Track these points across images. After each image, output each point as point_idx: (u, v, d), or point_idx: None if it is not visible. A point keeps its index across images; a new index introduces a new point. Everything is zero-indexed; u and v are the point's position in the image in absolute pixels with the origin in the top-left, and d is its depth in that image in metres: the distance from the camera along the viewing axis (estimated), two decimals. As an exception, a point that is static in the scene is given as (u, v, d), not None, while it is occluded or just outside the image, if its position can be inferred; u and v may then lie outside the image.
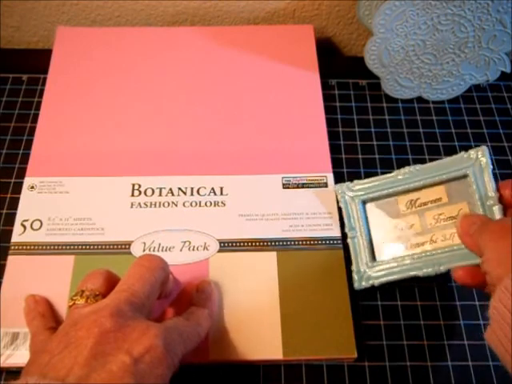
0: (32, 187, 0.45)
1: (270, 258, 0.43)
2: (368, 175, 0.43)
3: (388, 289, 0.43)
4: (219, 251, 0.43)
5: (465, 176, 0.38)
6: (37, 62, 0.54)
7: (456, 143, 0.52)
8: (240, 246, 0.43)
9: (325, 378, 0.39)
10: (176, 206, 0.45)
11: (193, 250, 0.43)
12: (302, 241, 0.43)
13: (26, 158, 0.47)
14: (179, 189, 0.46)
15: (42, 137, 0.48)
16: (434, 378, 0.40)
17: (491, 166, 0.37)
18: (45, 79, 0.52)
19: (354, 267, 0.40)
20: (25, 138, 0.50)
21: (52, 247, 0.42)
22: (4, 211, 0.46)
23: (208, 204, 0.45)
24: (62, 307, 0.39)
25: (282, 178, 0.46)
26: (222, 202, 0.45)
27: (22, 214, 0.44)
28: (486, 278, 0.32)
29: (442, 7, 0.47)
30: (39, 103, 0.51)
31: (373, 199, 0.41)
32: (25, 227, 0.43)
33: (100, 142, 0.48)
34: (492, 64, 0.52)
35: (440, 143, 0.51)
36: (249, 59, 0.54)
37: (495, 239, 0.31)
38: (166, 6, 0.58)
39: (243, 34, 0.56)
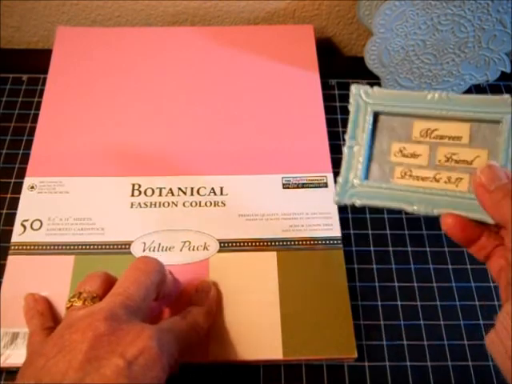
0: (32, 187, 0.45)
1: (270, 258, 0.43)
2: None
3: (388, 289, 0.43)
4: (219, 251, 0.43)
5: (498, 122, 0.33)
6: (37, 61, 0.54)
7: (456, 143, 0.52)
8: (240, 245, 0.43)
9: (325, 378, 0.39)
10: (176, 206, 0.45)
11: (193, 249, 0.43)
12: (302, 241, 0.43)
13: (26, 158, 0.47)
14: (179, 189, 0.46)
15: (41, 137, 0.48)
16: (433, 378, 0.40)
17: None
18: (45, 79, 0.52)
19: (340, 179, 0.35)
20: (25, 138, 0.50)
21: (52, 247, 0.42)
22: (4, 211, 0.46)
23: (208, 204, 0.45)
24: (61, 306, 0.39)
25: (282, 178, 0.46)
26: (221, 202, 0.45)
27: (21, 213, 0.44)
28: (503, 252, 0.30)
29: (441, 7, 0.47)
30: (39, 103, 0.51)
31: (387, 113, 0.35)
32: (25, 227, 0.43)
33: (100, 142, 0.48)
34: (492, 64, 0.52)
35: (440, 143, 0.51)
36: (249, 59, 0.54)
37: None
38: (166, 5, 0.58)
39: (243, 34, 0.56)
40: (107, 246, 0.43)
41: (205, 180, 0.46)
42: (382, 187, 0.34)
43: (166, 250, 0.43)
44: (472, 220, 0.32)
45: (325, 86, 0.54)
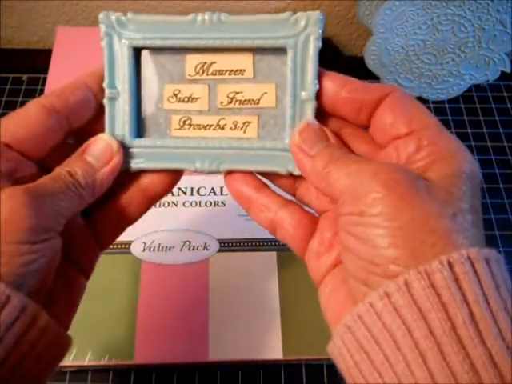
0: (32, 187, 0.45)
1: (270, 258, 0.43)
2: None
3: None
4: (219, 251, 0.43)
5: (282, 49, 0.26)
6: (37, 61, 0.54)
7: (456, 143, 0.52)
8: (240, 245, 0.43)
9: (325, 378, 0.39)
10: (176, 205, 0.45)
11: (193, 249, 0.43)
12: (302, 241, 0.43)
13: (26, 158, 0.47)
14: (179, 189, 0.46)
15: (41, 137, 0.48)
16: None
17: (320, 44, 0.26)
18: (45, 79, 0.52)
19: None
20: (25, 138, 0.50)
21: (52, 247, 0.42)
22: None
23: (208, 204, 0.45)
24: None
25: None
26: (221, 202, 0.45)
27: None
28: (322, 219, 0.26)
29: (441, 7, 0.47)
30: (39, 103, 0.51)
31: (151, 48, 0.27)
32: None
33: (100, 142, 0.48)
34: (492, 64, 0.52)
35: (440, 143, 0.51)
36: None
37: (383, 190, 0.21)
38: (166, 6, 0.58)
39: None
40: (107, 246, 0.43)
41: (205, 180, 0.46)
42: (157, 145, 0.28)
43: (166, 249, 0.43)
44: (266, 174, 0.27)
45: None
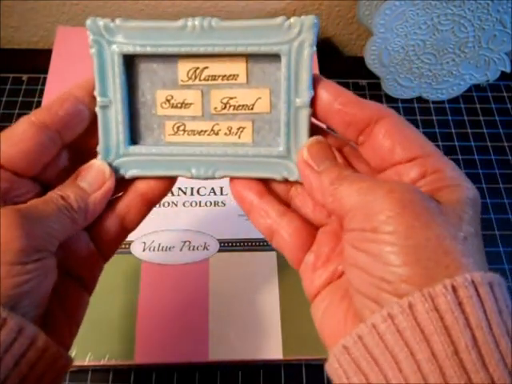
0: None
1: (270, 258, 0.43)
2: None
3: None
4: (219, 251, 0.43)
5: (276, 55, 0.26)
6: (37, 61, 0.54)
7: (456, 143, 0.52)
8: (240, 245, 0.43)
9: (325, 378, 0.39)
10: (176, 205, 0.45)
11: (193, 249, 0.43)
12: (302, 241, 0.43)
13: (26, 158, 0.47)
14: (179, 189, 0.46)
15: (41, 137, 0.48)
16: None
17: (314, 48, 0.26)
18: (45, 79, 0.52)
19: (100, 148, 0.27)
20: (25, 138, 0.50)
21: (52, 247, 0.42)
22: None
23: (208, 204, 0.45)
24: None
25: (282, 177, 0.46)
26: (222, 202, 0.45)
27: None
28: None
29: (442, 7, 0.47)
30: (39, 103, 0.51)
31: (142, 55, 0.27)
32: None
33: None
34: (492, 64, 0.52)
35: (440, 143, 0.51)
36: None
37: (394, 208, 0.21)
38: (166, 6, 0.58)
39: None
40: (107, 246, 0.43)
41: (205, 180, 0.46)
42: (153, 153, 0.28)
43: (166, 249, 0.43)
44: (262, 180, 0.27)
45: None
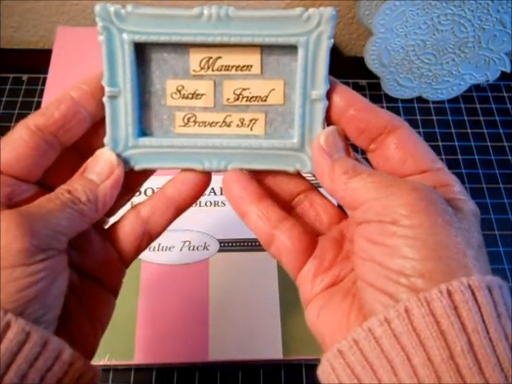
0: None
1: (270, 258, 0.42)
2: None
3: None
4: (219, 251, 0.43)
5: (293, 47, 0.25)
6: (37, 61, 0.54)
7: (456, 143, 0.52)
8: (240, 245, 0.43)
9: (325, 377, 0.39)
10: (176, 205, 0.45)
11: (193, 249, 0.43)
12: (302, 241, 0.43)
13: (26, 158, 0.47)
14: (179, 189, 0.46)
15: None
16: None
17: (332, 41, 0.25)
18: (45, 79, 0.52)
19: (107, 140, 0.26)
20: (25, 138, 0.50)
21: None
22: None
23: (208, 204, 0.45)
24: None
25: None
26: (222, 202, 0.45)
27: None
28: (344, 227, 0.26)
29: (441, 7, 0.47)
30: (39, 103, 0.51)
31: (153, 44, 0.26)
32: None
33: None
34: (492, 64, 0.52)
35: (440, 143, 0.51)
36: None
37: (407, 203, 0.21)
38: (170, 4, 0.58)
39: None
40: (107, 246, 0.43)
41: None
42: (163, 145, 0.27)
43: (165, 249, 0.43)
44: (272, 173, 0.27)
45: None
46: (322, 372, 0.22)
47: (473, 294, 0.19)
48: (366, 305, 0.22)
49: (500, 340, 0.19)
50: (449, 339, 0.19)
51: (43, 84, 0.52)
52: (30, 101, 0.53)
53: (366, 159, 0.27)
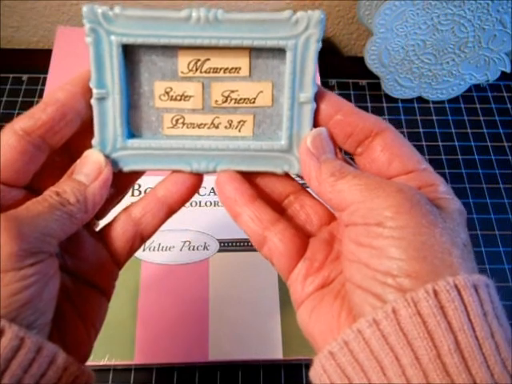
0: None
1: (270, 257, 0.43)
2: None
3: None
4: (219, 251, 0.43)
5: (282, 50, 0.26)
6: (37, 61, 0.54)
7: (456, 143, 0.52)
8: (240, 245, 0.43)
9: (325, 377, 0.39)
10: (176, 205, 0.45)
11: (193, 249, 0.43)
12: (302, 241, 0.43)
13: (26, 158, 0.47)
14: (179, 189, 0.46)
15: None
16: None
17: (320, 44, 0.25)
18: (45, 79, 0.52)
19: (95, 141, 0.26)
20: (25, 138, 0.50)
21: (52, 247, 0.42)
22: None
23: (208, 204, 0.45)
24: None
25: (282, 177, 0.46)
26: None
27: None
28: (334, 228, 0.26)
29: (441, 7, 0.47)
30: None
31: (141, 46, 0.26)
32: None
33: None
34: (492, 64, 0.52)
35: (440, 143, 0.51)
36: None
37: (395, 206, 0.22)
38: (165, 6, 0.58)
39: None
40: (107, 246, 0.43)
41: (205, 180, 0.46)
42: (151, 146, 0.27)
43: (166, 249, 0.43)
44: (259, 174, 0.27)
45: (325, 86, 0.53)
46: (314, 373, 0.22)
47: (459, 293, 0.20)
48: (355, 306, 0.22)
49: (486, 338, 0.19)
50: (436, 338, 0.19)
51: (43, 84, 0.52)
52: (30, 101, 0.53)
53: (354, 161, 0.27)
